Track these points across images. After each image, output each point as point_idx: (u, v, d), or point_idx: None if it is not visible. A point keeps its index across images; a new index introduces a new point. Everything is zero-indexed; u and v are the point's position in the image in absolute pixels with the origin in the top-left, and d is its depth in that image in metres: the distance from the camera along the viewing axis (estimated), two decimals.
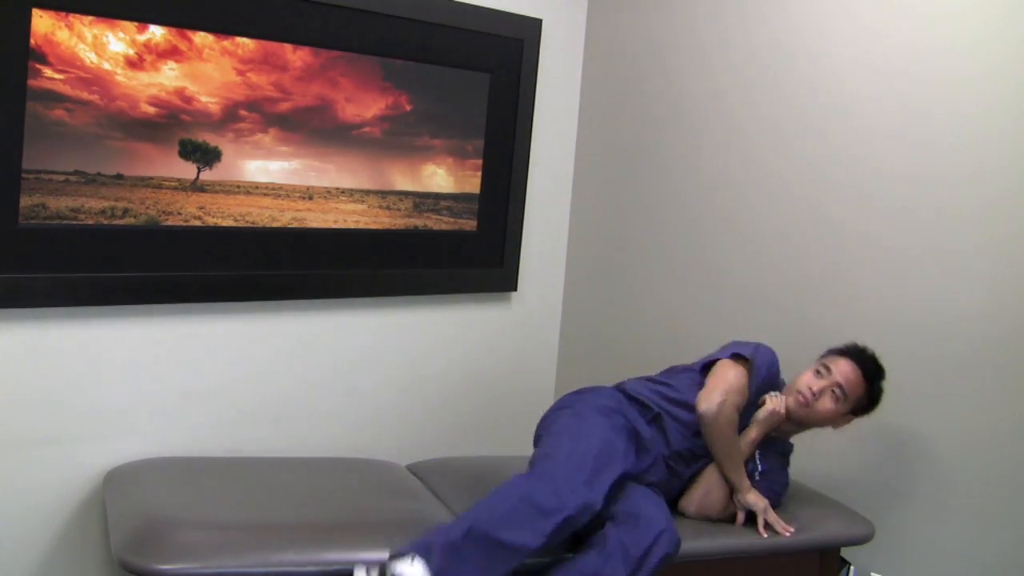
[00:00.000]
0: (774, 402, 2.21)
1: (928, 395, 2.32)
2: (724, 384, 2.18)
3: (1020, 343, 2.18)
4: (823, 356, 2.27)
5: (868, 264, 2.42)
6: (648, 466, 2.16)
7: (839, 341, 2.48)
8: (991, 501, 2.22)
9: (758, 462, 2.24)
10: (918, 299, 2.33)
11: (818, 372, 2.22)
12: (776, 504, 2.23)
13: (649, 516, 1.96)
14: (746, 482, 2.18)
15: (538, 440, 2.19)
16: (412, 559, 1.76)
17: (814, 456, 2.51)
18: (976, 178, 2.23)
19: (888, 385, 2.32)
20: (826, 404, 2.19)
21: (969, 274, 2.25)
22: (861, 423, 2.42)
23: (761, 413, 2.21)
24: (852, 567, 2.35)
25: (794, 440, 2.34)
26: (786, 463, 2.31)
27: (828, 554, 2.27)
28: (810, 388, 2.20)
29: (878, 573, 2.36)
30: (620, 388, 2.29)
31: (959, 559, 2.27)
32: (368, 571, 1.80)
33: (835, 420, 2.23)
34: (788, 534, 2.15)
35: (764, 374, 2.24)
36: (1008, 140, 2.18)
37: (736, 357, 2.25)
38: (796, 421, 2.25)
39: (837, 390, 2.18)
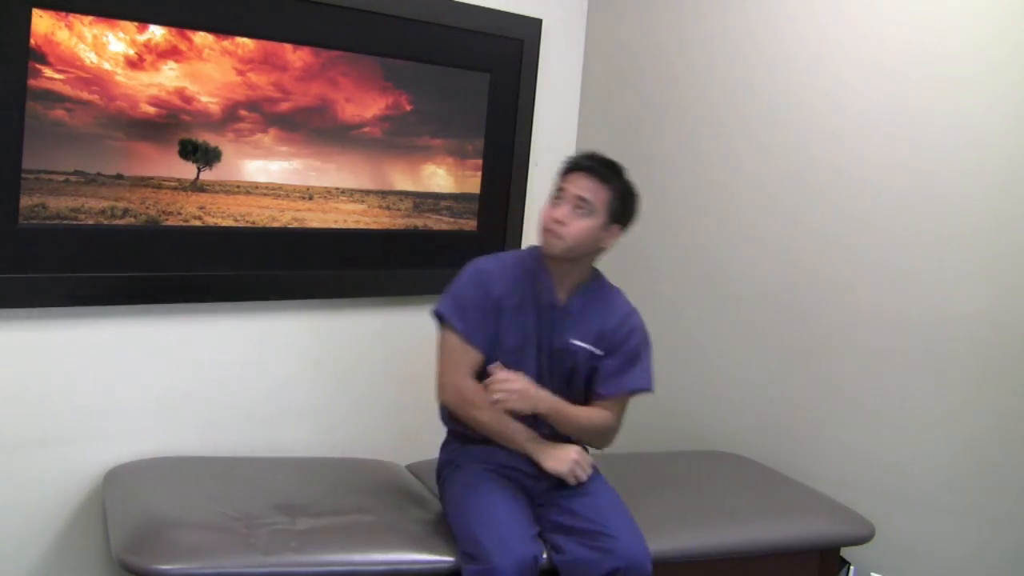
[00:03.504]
0: (504, 385, 1.97)
1: (928, 395, 2.32)
2: (440, 366, 2.08)
3: (1020, 344, 2.18)
4: (555, 182, 2.07)
5: (868, 264, 2.42)
6: None
7: (839, 341, 2.48)
8: (991, 501, 2.22)
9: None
10: (918, 299, 2.33)
11: (555, 199, 2.04)
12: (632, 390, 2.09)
13: None
14: (532, 445, 2.05)
15: None
16: None
17: (814, 455, 2.51)
18: (975, 179, 2.23)
19: (888, 385, 2.32)
20: (579, 224, 2.00)
21: (969, 274, 2.25)
22: (863, 425, 2.42)
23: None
24: (852, 567, 2.35)
25: (793, 437, 2.33)
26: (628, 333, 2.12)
27: (828, 554, 2.27)
28: (553, 219, 2.01)
29: (878, 573, 2.36)
30: None
31: (959, 559, 2.27)
32: None
33: (600, 238, 2.05)
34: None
35: (473, 307, 2.07)
36: (1007, 140, 2.18)
37: (440, 321, 2.11)
38: (567, 259, 2.05)
39: (581, 205, 2.00)
